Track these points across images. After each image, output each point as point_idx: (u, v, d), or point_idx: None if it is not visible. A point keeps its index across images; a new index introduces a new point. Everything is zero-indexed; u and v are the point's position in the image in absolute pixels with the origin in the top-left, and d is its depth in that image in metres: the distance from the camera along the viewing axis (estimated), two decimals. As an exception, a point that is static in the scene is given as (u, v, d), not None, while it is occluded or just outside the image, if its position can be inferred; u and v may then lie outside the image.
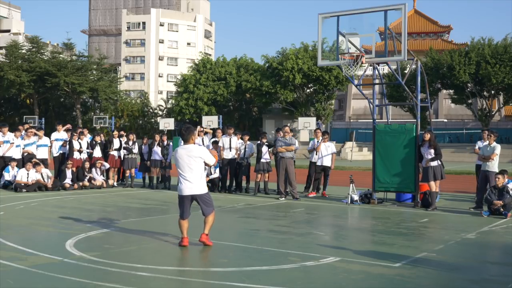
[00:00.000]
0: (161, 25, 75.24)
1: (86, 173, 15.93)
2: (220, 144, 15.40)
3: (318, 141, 15.14)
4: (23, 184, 14.63)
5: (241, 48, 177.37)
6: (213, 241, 7.61)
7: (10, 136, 15.76)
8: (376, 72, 14.16)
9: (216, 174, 15.21)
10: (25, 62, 52.97)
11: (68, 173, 15.67)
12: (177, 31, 76.13)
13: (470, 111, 49.60)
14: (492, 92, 45.47)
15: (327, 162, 14.84)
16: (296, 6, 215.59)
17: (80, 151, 16.22)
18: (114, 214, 10.92)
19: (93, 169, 16.08)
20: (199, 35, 77.96)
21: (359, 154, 42.99)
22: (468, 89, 46.24)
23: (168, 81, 73.97)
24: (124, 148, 16.62)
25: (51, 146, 16.70)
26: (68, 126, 17.83)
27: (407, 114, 48.72)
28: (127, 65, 76.32)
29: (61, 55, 56.18)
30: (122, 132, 18.09)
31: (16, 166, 15.31)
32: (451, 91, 48.80)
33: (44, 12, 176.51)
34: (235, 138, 15.37)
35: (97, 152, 16.54)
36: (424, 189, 12.62)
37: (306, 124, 40.55)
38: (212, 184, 15.19)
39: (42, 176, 15.07)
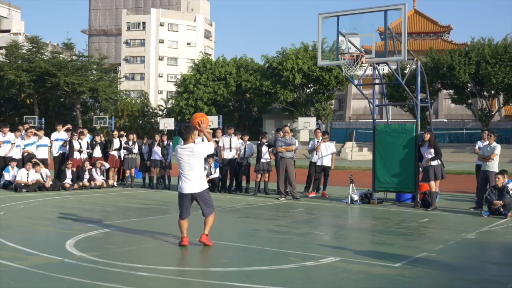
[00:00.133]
0: (161, 25, 75.25)
1: (87, 173, 15.91)
2: (220, 144, 15.40)
3: (318, 141, 15.14)
4: (23, 184, 14.63)
5: (241, 48, 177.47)
6: (213, 241, 7.61)
7: (11, 136, 15.76)
8: (376, 72, 14.16)
9: (216, 174, 15.21)
10: (25, 62, 52.98)
11: (68, 173, 15.67)
12: (177, 31, 76.14)
13: (470, 111, 49.61)
14: (492, 92, 45.47)
15: (327, 162, 14.84)
16: (296, 6, 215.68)
17: (80, 151, 16.22)
18: (114, 214, 10.93)
19: (93, 169, 16.07)
20: (199, 35, 77.96)
21: (359, 154, 43.00)
22: (468, 89, 46.25)
23: (168, 81, 73.98)
24: (124, 148, 16.62)
25: (51, 146, 16.70)
26: (69, 126, 17.84)
27: (407, 114, 48.72)
28: (127, 65, 76.32)
29: (61, 55, 56.20)
30: (122, 132, 18.09)
31: (16, 166, 15.30)
32: (451, 91, 48.81)
33: (44, 12, 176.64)
34: (235, 138, 15.38)
35: (97, 152, 16.54)
36: (424, 189, 12.63)
37: (306, 124, 40.56)
38: (212, 184, 15.18)
39: (42, 176, 15.07)
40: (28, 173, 14.86)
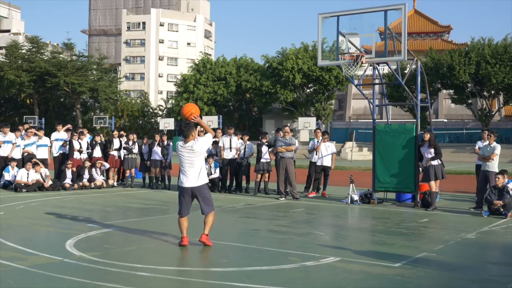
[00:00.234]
0: (161, 25, 75.26)
1: (87, 173, 15.91)
2: (220, 144, 15.42)
3: (318, 141, 15.14)
4: (23, 184, 14.64)
5: (241, 48, 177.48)
6: (213, 241, 7.60)
7: (11, 136, 15.76)
8: (376, 72, 14.16)
9: (216, 174, 15.21)
10: (25, 62, 52.99)
11: (68, 173, 15.67)
12: (177, 31, 76.15)
13: (470, 111, 49.61)
14: (492, 92, 45.48)
15: (327, 162, 14.84)
16: (296, 6, 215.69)
17: (80, 151, 16.22)
18: (114, 214, 10.93)
19: (93, 169, 16.07)
20: (199, 35, 77.97)
21: (359, 154, 43.00)
22: (468, 89, 46.25)
23: (168, 81, 73.98)
24: (124, 148, 16.63)
25: (51, 146, 16.70)
26: (69, 126, 17.83)
27: (407, 114, 48.72)
28: (127, 65, 76.33)
29: (61, 55, 56.21)
30: (122, 132, 18.09)
31: (16, 166, 15.30)
32: (451, 91, 48.82)
33: (44, 12, 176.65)
34: (235, 138, 15.38)
35: (97, 152, 16.53)
36: (424, 189, 12.63)
37: (306, 124, 40.55)
38: (212, 184, 15.17)
39: (42, 176, 15.07)
40: (28, 173, 14.86)
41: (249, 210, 11.84)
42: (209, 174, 14.82)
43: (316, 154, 15.01)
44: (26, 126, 17.57)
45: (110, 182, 16.55)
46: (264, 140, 15.06)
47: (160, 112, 61.73)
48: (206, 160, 14.51)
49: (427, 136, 12.39)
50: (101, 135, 17.55)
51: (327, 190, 14.92)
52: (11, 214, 10.48)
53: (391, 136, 12.96)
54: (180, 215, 7.57)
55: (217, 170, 15.23)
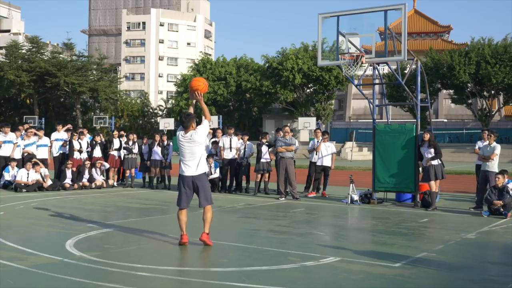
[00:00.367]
0: (161, 25, 75.26)
1: (87, 173, 15.91)
2: (220, 144, 15.42)
3: (318, 141, 15.14)
4: (23, 184, 14.64)
5: (241, 48, 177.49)
6: (213, 241, 7.60)
7: (12, 136, 15.76)
8: (376, 72, 14.16)
9: (216, 174, 15.21)
10: (25, 62, 53.01)
11: (68, 173, 15.67)
12: (177, 31, 76.15)
13: (470, 111, 49.61)
14: (492, 92, 45.48)
15: (327, 162, 14.84)
16: (296, 6, 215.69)
17: (80, 151, 16.22)
18: (114, 214, 10.93)
19: (93, 169, 16.08)
20: (199, 35, 77.97)
21: (359, 154, 43.00)
22: (468, 89, 46.25)
23: (168, 81, 73.99)
24: (124, 148, 16.63)
25: (51, 146, 16.69)
26: (69, 126, 17.83)
27: (407, 114, 48.73)
28: (127, 65, 76.34)
29: (61, 55, 56.23)
30: (122, 132, 18.09)
31: (16, 166, 15.30)
32: (451, 91, 48.82)
33: (44, 12, 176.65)
34: (235, 138, 15.38)
35: (97, 152, 16.53)
36: (424, 189, 12.63)
37: (306, 124, 40.54)
38: (212, 184, 15.17)
39: (42, 176, 15.07)
40: (28, 173, 14.86)
41: (249, 210, 11.84)
42: (209, 174, 14.82)
43: (316, 154, 15.01)
44: (26, 126, 17.57)
45: (110, 182, 16.55)
46: (264, 140, 15.06)
47: (160, 112, 61.75)
48: (206, 159, 14.50)
49: (427, 136, 12.39)
50: (101, 135, 17.55)
51: (327, 190, 14.92)
52: (11, 214, 10.48)
53: (391, 136, 12.96)
54: (179, 206, 7.55)
55: (217, 170, 15.23)
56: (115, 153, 16.73)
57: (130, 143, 16.66)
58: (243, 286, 5.54)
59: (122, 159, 16.75)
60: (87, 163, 15.97)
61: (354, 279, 5.92)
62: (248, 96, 54.96)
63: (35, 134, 16.53)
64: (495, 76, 42.17)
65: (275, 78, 48.97)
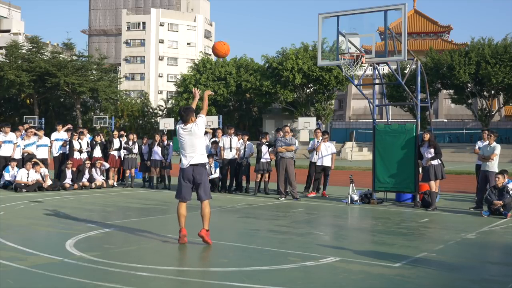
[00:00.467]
0: (161, 25, 75.26)
1: (87, 173, 15.91)
2: (220, 144, 15.42)
3: (318, 141, 15.14)
4: (23, 184, 14.64)
5: (241, 48, 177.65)
6: (213, 241, 7.60)
7: (12, 136, 15.76)
8: (376, 72, 14.16)
9: (216, 174, 15.21)
10: (25, 62, 53.01)
11: (68, 173, 15.67)
12: (177, 31, 76.15)
13: (470, 111, 49.62)
14: (492, 92, 45.49)
15: (327, 162, 14.84)
16: (296, 6, 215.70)
17: (80, 151, 16.22)
18: (114, 214, 10.93)
19: (93, 169, 16.08)
20: (199, 35, 77.97)
21: (359, 154, 43.00)
22: (468, 89, 46.26)
23: (168, 81, 73.99)
24: (124, 148, 16.63)
25: (51, 146, 16.70)
26: (69, 126, 17.83)
27: (407, 114, 48.74)
28: (127, 65, 76.34)
29: (61, 55, 56.24)
30: (122, 132, 18.09)
31: (16, 166, 15.30)
32: (451, 91, 48.83)
33: (44, 12, 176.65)
34: (236, 138, 15.38)
35: (97, 152, 16.53)
36: (424, 189, 12.63)
37: (306, 124, 40.54)
38: (212, 184, 15.17)
39: (42, 176, 15.06)
40: (28, 173, 14.86)
41: (249, 210, 11.84)
42: (209, 174, 14.82)
43: (316, 154, 15.02)
44: (26, 126, 17.57)
45: (110, 182, 16.55)
46: (264, 140, 15.06)
47: (160, 112, 61.75)
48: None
49: (427, 136, 12.39)
50: (101, 135, 17.55)
51: (327, 190, 14.92)
52: (11, 214, 10.48)
53: (391, 136, 12.96)
54: (179, 199, 7.56)
55: (217, 170, 15.23)
56: (115, 153, 16.73)
57: (130, 143, 16.66)
58: (243, 286, 5.54)
59: (122, 159, 16.75)
60: (87, 163, 15.97)
61: (354, 279, 5.92)
62: (248, 96, 54.97)
63: (35, 134, 16.53)
64: (495, 76, 42.18)
65: (275, 78, 48.97)
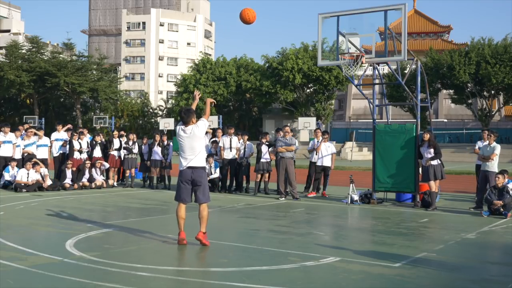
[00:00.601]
0: (161, 25, 75.26)
1: (87, 173, 15.90)
2: (220, 144, 15.42)
3: (318, 141, 15.14)
4: (23, 184, 14.63)
5: (241, 48, 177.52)
6: (213, 241, 7.60)
7: (11, 136, 15.76)
8: (376, 72, 14.16)
9: (216, 174, 15.21)
10: (25, 62, 53.01)
11: (68, 173, 15.67)
12: (177, 31, 76.15)
13: (470, 111, 49.62)
14: (492, 92, 45.49)
15: (327, 162, 14.84)
16: (296, 6, 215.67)
17: (80, 151, 16.22)
18: (114, 214, 10.93)
19: (93, 169, 16.08)
20: (199, 35, 77.97)
21: (359, 154, 43.00)
22: (468, 89, 46.26)
23: (168, 81, 73.98)
24: (124, 148, 16.63)
25: (51, 146, 16.70)
26: (69, 126, 17.83)
27: (407, 114, 48.73)
28: (127, 65, 76.33)
29: (61, 55, 56.25)
30: (122, 132, 18.08)
31: (16, 166, 15.30)
32: (451, 91, 48.83)
33: (44, 12, 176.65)
34: (236, 138, 15.38)
35: (97, 152, 16.53)
36: (424, 189, 12.63)
37: (306, 124, 40.55)
38: (212, 184, 15.19)
39: (42, 176, 15.06)
40: (28, 173, 14.86)
41: (249, 210, 11.84)
42: (209, 174, 14.83)
43: (316, 154, 15.02)
44: (26, 126, 17.57)
45: (110, 182, 16.55)
46: (264, 140, 15.05)
47: (160, 112, 61.75)
48: (206, 160, 14.50)
49: (426, 136, 12.39)
50: (101, 135, 17.55)
51: (327, 190, 14.92)
52: (11, 214, 10.48)
53: (391, 136, 12.96)
54: (178, 201, 7.55)
55: (217, 170, 15.23)
56: (115, 153, 16.73)
57: (130, 143, 16.66)
58: (243, 286, 5.54)
59: (122, 159, 16.75)
60: (87, 163, 15.97)
61: (354, 279, 5.92)
62: (248, 96, 54.97)
63: (35, 134, 16.53)
64: (495, 76, 42.18)
65: (275, 78, 48.97)
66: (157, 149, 16.29)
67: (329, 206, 12.75)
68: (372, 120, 13.71)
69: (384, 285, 5.75)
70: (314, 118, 42.63)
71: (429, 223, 10.37)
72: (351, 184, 13.05)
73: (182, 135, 7.52)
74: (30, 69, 51.81)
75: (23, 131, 16.52)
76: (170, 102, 61.71)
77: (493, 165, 12.28)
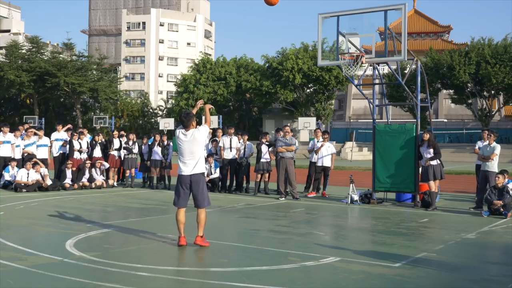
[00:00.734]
0: (161, 25, 75.26)
1: (87, 173, 15.90)
2: (220, 144, 15.42)
3: (318, 141, 15.13)
4: (23, 184, 14.64)
5: (241, 48, 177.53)
6: (213, 241, 7.60)
7: (10, 136, 15.75)
8: (376, 72, 14.16)
9: (216, 174, 15.21)
10: (25, 62, 53.02)
11: (68, 173, 15.67)
12: (177, 31, 76.15)
13: (470, 111, 49.61)
14: (492, 92, 45.48)
15: (327, 162, 14.84)
16: (296, 6, 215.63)
17: (80, 151, 16.22)
18: (114, 214, 10.93)
19: (93, 169, 16.08)
20: (199, 35, 77.97)
21: (359, 154, 42.99)
22: (468, 89, 46.25)
23: (168, 81, 73.99)
24: (124, 148, 16.63)
25: (51, 146, 16.70)
26: (69, 126, 17.83)
27: (407, 114, 48.73)
28: (127, 65, 76.33)
29: (61, 55, 56.25)
30: (122, 132, 18.08)
31: (16, 166, 15.30)
32: (451, 91, 48.82)
33: (44, 12, 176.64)
34: (236, 138, 15.38)
35: (97, 152, 16.53)
36: (424, 189, 12.63)
37: (306, 124, 40.54)
38: (212, 184, 15.20)
39: (42, 176, 15.06)
40: (28, 173, 14.86)
41: (249, 210, 11.84)
42: (209, 174, 14.83)
43: (316, 154, 15.01)
44: (26, 126, 17.57)
45: (110, 182, 16.55)
46: (264, 140, 15.05)
47: (160, 112, 61.75)
48: (206, 160, 14.51)
49: (426, 136, 12.39)
50: (101, 135, 17.54)
51: (327, 190, 14.92)
52: (11, 214, 10.48)
53: (391, 136, 12.96)
54: (177, 205, 7.53)
55: (217, 170, 15.23)
56: (115, 153, 16.73)
57: (130, 143, 16.66)
58: (243, 286, 5.54)
59: (122, 159, 16.75)
60: (87, 163, 15.97)
61: (354, 279, 5.92)
62: (248, 96, 54.96)
63: (35, 134, 16.53)
64: (495, 76, 42.17)
65: (275, 78, 48.97)
66: (157, 149, 16.29)
67: (329, 206, 12.75)
68: (372, 120, 13.71)
69: (384, 285, 5.75)
70: (314, 118, 42.63)
71: (429, 223, 10.37)
72: (351, 184, 13.05)
73: (183, 138, 7.48)
74: (30, 69, 51.82)
75: (23, 131, 16.52)
76: (170, 102, 61.72)
77: (493, 165, 12.28)
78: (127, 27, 76.53)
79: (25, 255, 6.77)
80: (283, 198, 13.78)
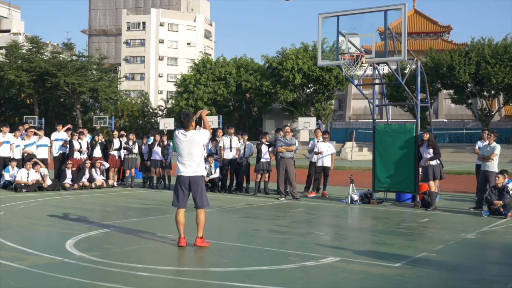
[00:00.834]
0: (161, 25, 75.26)
1: (87, 173, 15.90)
2: (220, 144, 15.42)
3: (318, 141, 15.13)
4: (23, 184, 14.63)
5: (241, 48, 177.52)
6: (213, 241, 7.60)
7: (9, 136, 15.75)
8: (376, 72, 14.16)
9: (216, 174, 15.21)
10: (25, 62, 53.02)
11: (68, 173, 15.67)
12: (177, 31, 76.15)
13: (470, 111, 49.62)
14: (492, 92, 45.48)
15: (327, 162, 14.84)
16: (296, 6, 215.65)
17: (80, 151, 16.22)
18: (114, 214, 10.93)
19: (93, 169, 16.08)
20: (199, 35, 77.97)
21: (359, 154, 43.00)
22: (468, 89, 46.26)
23: (168, 81, 73.99)
24: (124, 148, 16.63)
25: (51, 146, 16.70)
26: (69, 126, 17.83)
27: (407, 114, 48.73)
28: (127, 65, 76.33)
29: (61, 55, 56.25)
30: (122, 132, 18.07)
31: (16, 166, 15.30)
32: (451, 91, 48.83)
33: (44, 12, 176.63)
34: (236, 138, 15.38)
35: (97, 152, 16.53)
36: (424, 189, 12.63)
37: (306, 124, 40.55)
38: (212, 184, 15.20)
39: (42, 176, 15.06)
40: (28, 173, 14.85)
41: (249, 210, 11.84)
42: (209, 174, 14.84)
43: (316, 154, 15.02)
44: (26, 126, 17.56)
45: (110, 182, 16.55)
46: (264, 140, 15.05)
47: (160, 112, 61.76)
48: (206, 159, 14.51)
49: (426, 136, 12.39)
50: (101, 135, 17.53)
51: (327, 190, 14.92)
52: (11, 214, 10.48)
53: (391, 136, 12.96)
54: (176, 206, 7.51)
55: (217, 170, 15.23)
56: (115, 153, 16.73)
57: (130, 143, 16.66)
58: (243, 286, 5.54)
59: (122, 159, 16.75)
60: (87, 163, 15.97)
61: (354, 279, 5.92)
62: (248, 96, 54.97)
63: (35, 134, 16.52)
64: (495, 76, 42.17)
65: (275, 78, 48.97)
66: (157, 149, 16.29)
67: (329, 206, 12.75)
68: (372, 120, 13.71)
69: (384, 285, 5.75)
70: (314, 118, 42.64)
71: (429, 223, 10.37)
72: (351, 184, 13.05)
73: (182, 138, 7.46)
74: (30, 69, 51.82)
75: (23, 131, 16.51)
76: (170, 102, 61.73)
77: (493, 165, 12.28)
78: (127, 27, 76.53)
79: (25, 255, 6.77)
80: (283, 198, 13.78)
